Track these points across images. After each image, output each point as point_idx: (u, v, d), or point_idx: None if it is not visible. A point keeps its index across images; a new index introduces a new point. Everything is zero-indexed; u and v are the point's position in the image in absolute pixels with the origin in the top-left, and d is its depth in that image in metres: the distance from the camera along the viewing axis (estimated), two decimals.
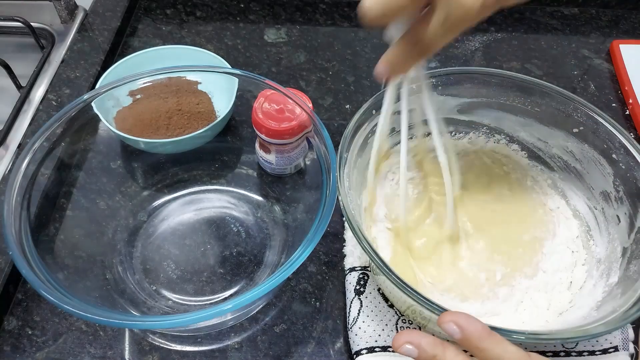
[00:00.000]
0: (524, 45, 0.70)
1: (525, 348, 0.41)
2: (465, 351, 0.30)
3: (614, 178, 0.43)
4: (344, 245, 0.48)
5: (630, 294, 0.36)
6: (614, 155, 0.43)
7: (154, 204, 0.53)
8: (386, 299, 0.44)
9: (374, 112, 0.44)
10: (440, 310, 0.32)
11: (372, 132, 0.44)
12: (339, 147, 0.41)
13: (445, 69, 0.46)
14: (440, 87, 0.46)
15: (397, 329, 0.42)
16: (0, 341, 0.44)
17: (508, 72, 0.46)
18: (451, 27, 0.30)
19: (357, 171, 0.43)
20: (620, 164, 0.42)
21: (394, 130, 0.46)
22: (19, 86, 0.62)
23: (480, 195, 0.48)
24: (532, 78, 0.46)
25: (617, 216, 0.43)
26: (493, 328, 0.30)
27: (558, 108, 0.45)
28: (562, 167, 0.48)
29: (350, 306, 0.44)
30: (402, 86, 0.39)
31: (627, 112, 0.62)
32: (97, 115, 0.47)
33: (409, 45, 0.33)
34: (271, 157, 0.51)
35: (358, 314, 0.43)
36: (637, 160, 0.41)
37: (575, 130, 0.45)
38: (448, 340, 0.30)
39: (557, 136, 0.46)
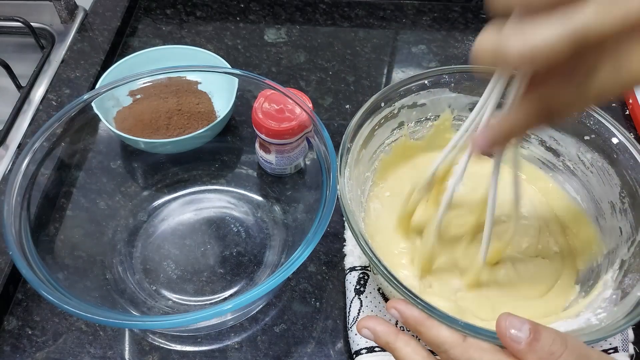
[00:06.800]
0: None
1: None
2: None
3: (620, 189, 0.42)
4: (344, 245, 0.48)
5: (621, 307, 0.35)
6: (622, 166, 0.42)
7: (154, 204, 0.53)
8: (386, 299, 0.44)
9: (382, 104, 0.44)
10: (434, 311, 0.32)
11: (379, 124, 0.45)
12: (343, 136, 0.41)
13: (459, 66, 0.46)
14: (453, 84, 0.46)
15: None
16: (0, 341, 0.44)
17: None
18: (609, 92, 0.25)
19: (360, 164, 0.43)
20: (627, 177, 0.42)
21: None
22: (19, 86, 0.62)
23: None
24: None
25: (620, 228, 0.42)
26: (475, 328, 0.31)
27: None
28: (571, 173, 0.47)
29: (350, 306, 0.44)
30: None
31: (627, 112, 0.62)
32: (97, 115, 0.47)
33: (531, 108, 0.28)
34: (271, 157, 0.51)
35: (358, 313, 0.43)
36: None
37: (587, 137, 0.44)
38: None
39: (569, 142, 0.45)
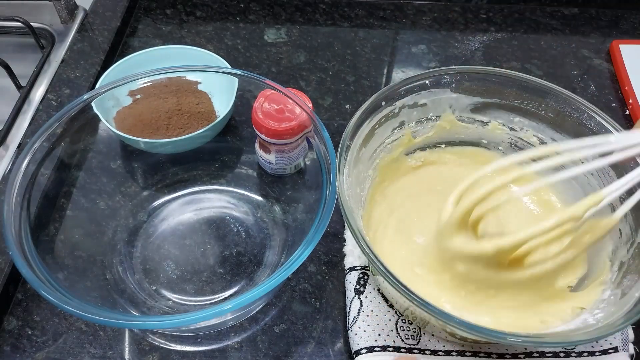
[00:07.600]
0: (524, 45, 0.70)
1: (525, 348, 0.41)
2: None
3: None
4: (344, 245, 0.48)
5: (619, 306, 0.35)
6: (622, 167, 0.41)
7: (154, 204, 0.53)
8: (386, 299, 0.44)
9: (383, 103, 0.44)
10: (437, 312, 0.32)
11: (380, 123, 0.45)
12: (343, 134, 0.41)
13: (460, 67, 0.46)
14: (454, 85, 0.46)
15: (397, 329, 0.42)
16: (0, 341, 0.44)
17: (524, 75, 0.45)
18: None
19: (360, 163, 0.43)
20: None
21: None
22: (19, 86, 0.62)
23: None
24: (548, 83, 0.45)
25: (620, 230, 0.42)
26: (470, 325, 0.31)
27: (571, 115, 0.44)
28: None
29: (350, 306, 0.44)
30: None
31: (627, 112, 0.62)
32: (97, 115, 0.47)
33: None
34: (271, 157, 0.51)
35: (358, 313, 0.43)
36: None
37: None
38: None
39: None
